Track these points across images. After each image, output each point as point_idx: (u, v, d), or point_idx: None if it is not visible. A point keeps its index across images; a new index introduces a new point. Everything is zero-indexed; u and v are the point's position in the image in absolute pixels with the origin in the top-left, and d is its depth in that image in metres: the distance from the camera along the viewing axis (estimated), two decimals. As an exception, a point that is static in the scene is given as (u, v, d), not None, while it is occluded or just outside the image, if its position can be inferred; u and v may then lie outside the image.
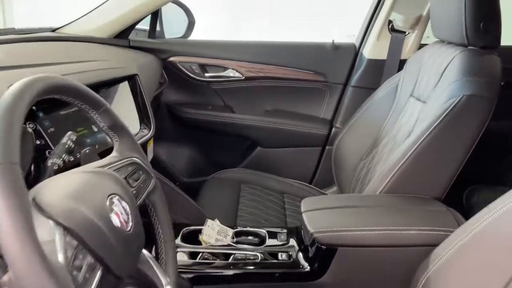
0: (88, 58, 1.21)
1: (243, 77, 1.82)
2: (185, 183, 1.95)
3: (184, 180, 1.96)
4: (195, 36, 1.95)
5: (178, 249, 1.06)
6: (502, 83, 1.10)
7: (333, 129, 1.83)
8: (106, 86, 1.11)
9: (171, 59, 1.78)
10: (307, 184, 1.78)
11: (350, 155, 1.52)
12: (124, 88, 1.21)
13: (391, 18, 1.68)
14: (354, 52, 1.82)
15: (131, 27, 1.58)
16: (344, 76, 1.83)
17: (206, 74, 1.82)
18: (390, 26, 1.71)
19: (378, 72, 1.74)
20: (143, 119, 1.21)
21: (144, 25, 1.76)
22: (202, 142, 1.99)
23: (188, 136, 1.99)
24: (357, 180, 1.43)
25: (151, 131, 1.18)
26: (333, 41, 1.80)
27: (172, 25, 1.95)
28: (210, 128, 1.88)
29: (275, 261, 1.07)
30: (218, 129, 1.88)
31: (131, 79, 1.24)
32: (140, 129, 1.18)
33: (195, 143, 2.00)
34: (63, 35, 1.49)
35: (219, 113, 1.86)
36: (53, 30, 1.57)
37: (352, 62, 1.82)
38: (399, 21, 1.65)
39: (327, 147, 1.86)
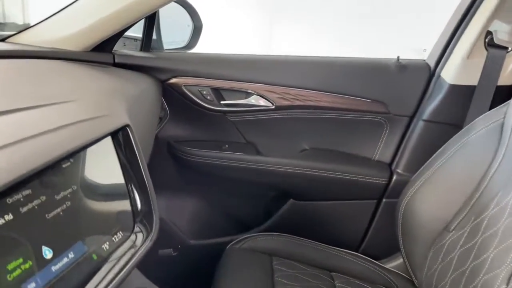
0: (46, 99, 0.69)
1: (273, 106, 1.33)
2: (191, 247, 1.46)
3: (189, 242, 1.47)
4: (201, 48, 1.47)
5: None
6: None
7: (394, 177, 1.36)
8: (71, 157, 0.60)
9: (173, 80, 1.28)
10: (359, 255, 1.30)
11: (428, 219, 1.08)
12: (104, 148, 0.70)
13: (490, 29, 1.19)
14: (428, 73, 1.33)
15: (117, 35, 1.10)
16: (412, 107, 1.34)
17: (222, 102, 1.33)
18: (487, 40, 1.22)
19: (463, 102, 1.26)
20: (137, 204, 0.69)
21: (134, 31, 1.27)
22: (214, 193, 1.52)
23: (196, 185, 1.50)
24: (447, 264, 0.98)
25: (153, 231, 0.66)
26: (398, 57, 1.32)
27: (172, 30, 1.49)
28: (226, 174, 1.40)
29: None
30: (237, 175, 1.39)
31: (117, 133, 0.72)
32: (132, 231, 0.65)
33: (204, 195, 1.52)
34: (16, 48, 1.01)
35: (238, 154, 1.37)
36: (4, 39, 1.09)
37: (425, 88, 1.34)
38: (503, 33, 1.16)
39: (383, 200, 1.39)
